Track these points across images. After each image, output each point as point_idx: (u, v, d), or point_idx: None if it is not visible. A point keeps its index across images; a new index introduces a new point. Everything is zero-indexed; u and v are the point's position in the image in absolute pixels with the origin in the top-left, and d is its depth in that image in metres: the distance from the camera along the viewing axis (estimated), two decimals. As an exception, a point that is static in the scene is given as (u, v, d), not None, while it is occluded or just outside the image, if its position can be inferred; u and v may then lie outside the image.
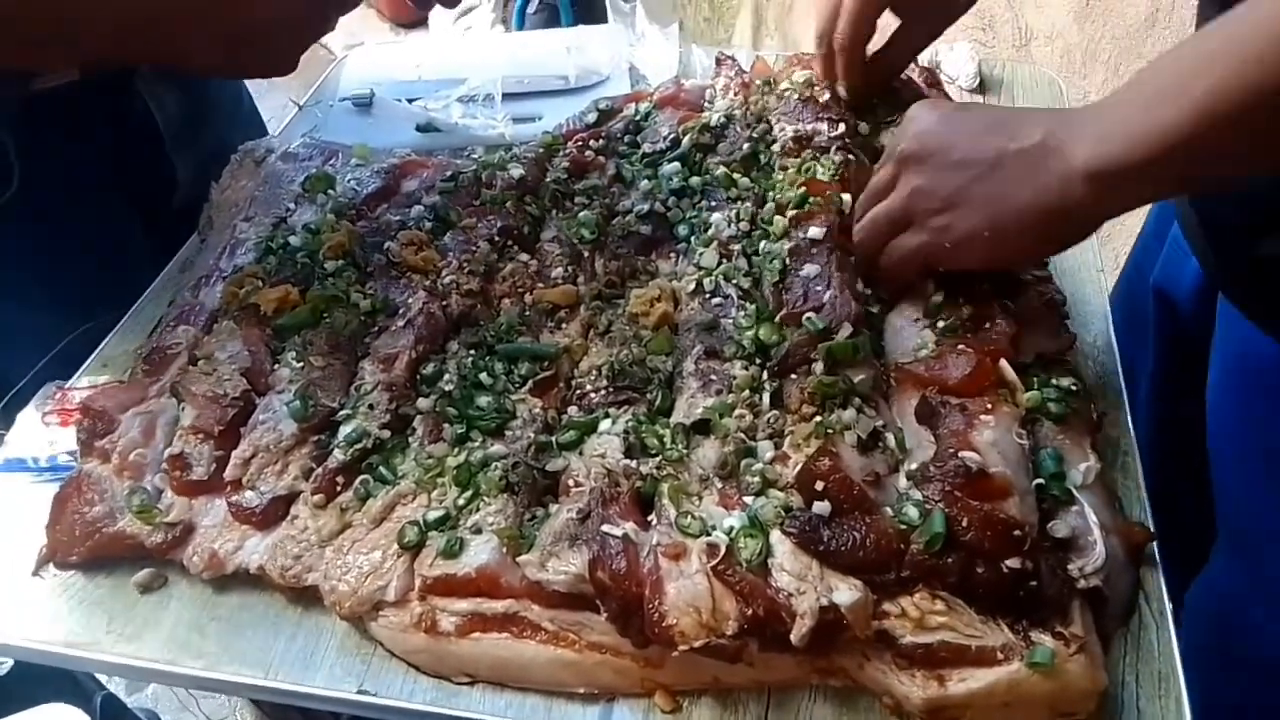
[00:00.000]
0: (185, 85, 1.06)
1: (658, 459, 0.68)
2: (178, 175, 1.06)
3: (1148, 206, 1.06)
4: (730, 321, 0.78)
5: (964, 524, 0.59)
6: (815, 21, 0.95)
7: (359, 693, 0.64)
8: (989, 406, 0.66)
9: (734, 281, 0.81)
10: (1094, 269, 0.91)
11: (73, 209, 0.98)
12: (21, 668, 0.87)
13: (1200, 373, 0.89)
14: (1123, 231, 1.93)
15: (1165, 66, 0.62)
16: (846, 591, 0.58)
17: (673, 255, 0.88)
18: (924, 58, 1.10)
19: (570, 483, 0.67)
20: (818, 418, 0.68)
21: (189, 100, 1.06)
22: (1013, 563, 0.58)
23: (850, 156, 0.88)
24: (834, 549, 0.60)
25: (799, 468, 0.64)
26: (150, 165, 1.04)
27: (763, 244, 0.83)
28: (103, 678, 1.11)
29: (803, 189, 0.84)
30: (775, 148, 0.92)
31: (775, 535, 0.61)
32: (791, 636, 0.57)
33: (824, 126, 0.92)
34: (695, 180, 0.92)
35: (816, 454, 0.64)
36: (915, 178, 0.71)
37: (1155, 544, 0.68)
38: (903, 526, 0.60)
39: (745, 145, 0.94)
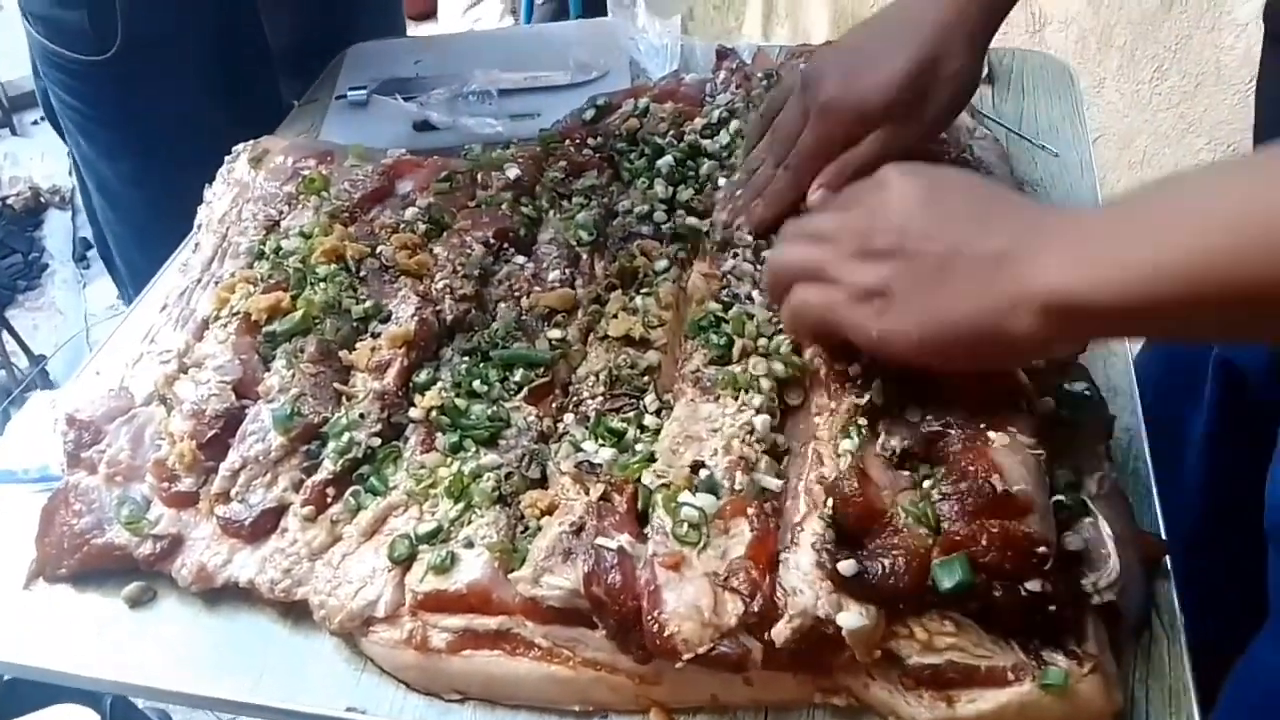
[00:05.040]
0: None
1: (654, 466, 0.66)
2: (269, 42, 1.14)
3: None
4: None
5: (983, 543, 0.55)
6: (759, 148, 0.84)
7: (348, 710, 0.62)
8: (1001, 414, 0.63)
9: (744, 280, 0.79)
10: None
11: (168, 74, 1.07)
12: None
13: (1262, 451, 0.81)
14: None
15: (1167, 193, 0.54)
16: (854, 615, 0.55)
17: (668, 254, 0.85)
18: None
19: (559, 492, 0.66)
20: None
21: None
22: (1033, 585, 0.55)
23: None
24: (863, 589, 0.56)
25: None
26: (244, 29, 1.12)
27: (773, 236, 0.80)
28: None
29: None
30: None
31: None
32: (772, 632, 0.55)
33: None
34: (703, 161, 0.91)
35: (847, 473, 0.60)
36: (855, 253, 0.63)
37: (1169, 556, 0.65)
38: (921, 531, 0.57)
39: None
